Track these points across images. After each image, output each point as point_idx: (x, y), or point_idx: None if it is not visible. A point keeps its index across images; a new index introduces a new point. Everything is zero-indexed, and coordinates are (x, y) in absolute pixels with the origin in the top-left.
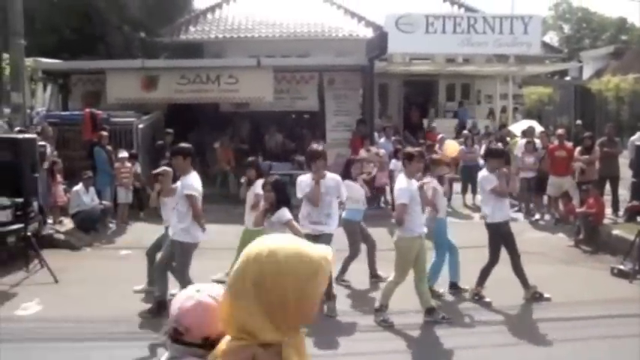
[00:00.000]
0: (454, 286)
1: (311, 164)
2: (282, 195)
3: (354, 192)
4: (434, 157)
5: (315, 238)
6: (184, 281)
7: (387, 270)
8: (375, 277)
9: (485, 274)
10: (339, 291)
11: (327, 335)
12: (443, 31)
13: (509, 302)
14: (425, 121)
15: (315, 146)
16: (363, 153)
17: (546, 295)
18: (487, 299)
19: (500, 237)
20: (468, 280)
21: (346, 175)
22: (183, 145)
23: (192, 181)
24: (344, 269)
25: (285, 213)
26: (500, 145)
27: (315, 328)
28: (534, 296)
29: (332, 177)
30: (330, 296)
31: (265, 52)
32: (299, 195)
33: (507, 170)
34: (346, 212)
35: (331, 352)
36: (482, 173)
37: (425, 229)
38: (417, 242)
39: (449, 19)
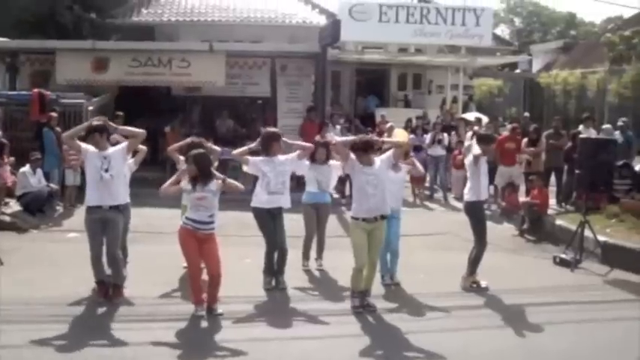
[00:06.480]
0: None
1: (268, 147)
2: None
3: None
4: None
5: (274, 215)
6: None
7: (335, 258)
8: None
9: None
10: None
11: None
12: (396, 21)
13: (453, 289)
14: (376, 110)
15: (272, 129)
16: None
17: (483, 285)
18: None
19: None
20: (416, 268)
21: (312, 159)
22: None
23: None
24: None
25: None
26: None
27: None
28: (471, 285)
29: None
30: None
31: (218, 36)
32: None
33: None
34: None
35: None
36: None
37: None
38: (360, 225)
39: (402, 9)
